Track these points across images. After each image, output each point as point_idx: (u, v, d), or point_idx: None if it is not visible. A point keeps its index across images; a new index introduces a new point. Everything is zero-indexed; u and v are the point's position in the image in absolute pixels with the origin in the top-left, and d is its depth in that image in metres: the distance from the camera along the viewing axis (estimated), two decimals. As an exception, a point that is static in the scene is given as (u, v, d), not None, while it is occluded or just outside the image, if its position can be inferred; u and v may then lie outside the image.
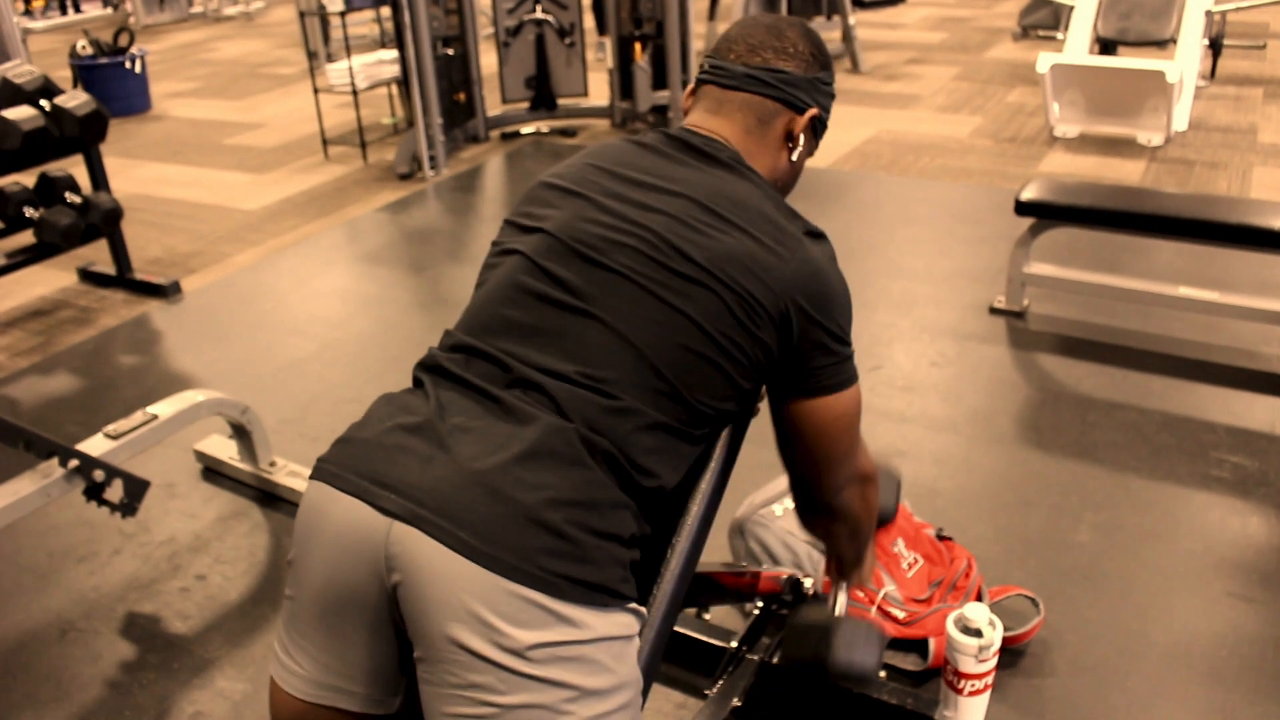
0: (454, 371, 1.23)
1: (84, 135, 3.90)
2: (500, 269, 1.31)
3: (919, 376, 3.24)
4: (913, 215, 4.56)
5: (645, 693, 1.24)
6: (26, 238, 3.97)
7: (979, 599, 2.21)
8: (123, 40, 7.30)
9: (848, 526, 1.53)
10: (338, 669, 1.20)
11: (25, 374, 3.67)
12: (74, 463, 2.37)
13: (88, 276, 4.43)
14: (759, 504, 2.29)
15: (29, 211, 3.94)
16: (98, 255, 4.42)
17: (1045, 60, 5.27)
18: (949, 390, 3.15)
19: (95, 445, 2.46)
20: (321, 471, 1.19)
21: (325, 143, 6.10)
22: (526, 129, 6.22)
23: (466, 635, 1.07)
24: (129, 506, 2.49)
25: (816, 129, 1.45)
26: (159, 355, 3.78)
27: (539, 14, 5.99)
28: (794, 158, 1.42)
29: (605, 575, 1.13)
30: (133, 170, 6.09)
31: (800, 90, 1.39)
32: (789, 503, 2.26)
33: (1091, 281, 3.49)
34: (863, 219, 4.54)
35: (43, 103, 3.85)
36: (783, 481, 2.20)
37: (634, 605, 1.19)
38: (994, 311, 3.61)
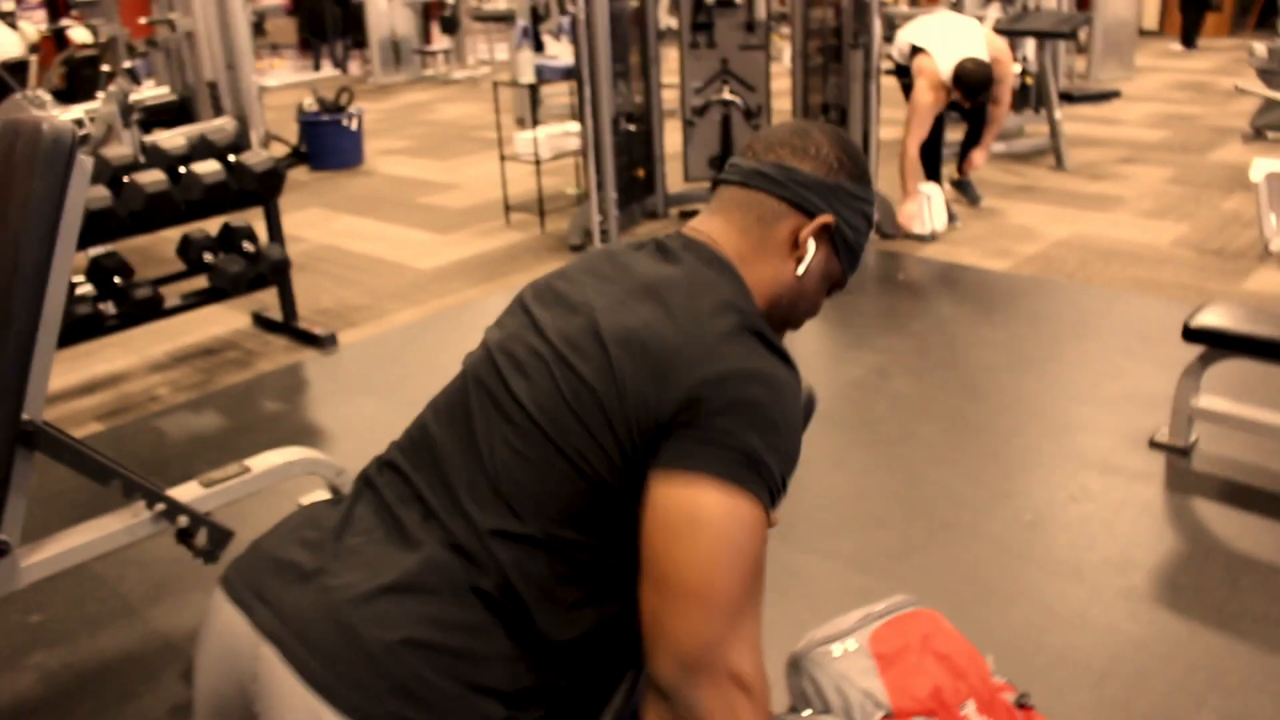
0: (376, 485, 1.17)
1: (261, 190, 4.11)
2: (450, 383, 1.25)
3: (1051, 511, 2.96)
4: (1088, 329, 4.24)
5: None
6: (204, 281, 4.21)
7: (1057, 780, 1.96)
8: (344, 99, 7.76)
9: None
10: None
11: (179, 409, 3.86)
12: (160, 506, 2.44)
13: (259, 321, 4.66)
14: (818, 640, 2.10)
15: (207, 257, 4.19)
16: (273, 301, 4.64)
17: (1260, 167, 4.83)
18: (1082, 530, 2.86)
19: (187, 491, 2.53)
20: (223, 577, 1.15)
21: (508, 209, 6.26)
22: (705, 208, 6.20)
23: None
24: (210, 554, 2.54)
25: (838, 245, 1.28)
26: (302, 404, 3.91)
27: (727, 95, 5.99)
28: (800, 270, 1.26)
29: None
30: (330, 222, 6.42)
31: (812, 192, 1.24)
32: (851, 644, 2.07)
33: (1272, 424, 3.12)
34: (1032, 330, 4.25)
35: (231, 158, 4.09)
36: (849, 619, 2.02)
37: None
38: (1154, 445, 3.28)
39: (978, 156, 5.63)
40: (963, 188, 5.96)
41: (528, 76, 5.99)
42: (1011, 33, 6.49)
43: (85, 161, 2.11)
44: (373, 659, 1.02)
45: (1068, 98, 7.06)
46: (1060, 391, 3.68)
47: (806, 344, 4.30)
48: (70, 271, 2.17)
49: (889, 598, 2.12)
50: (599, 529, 1.10)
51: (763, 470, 1.05)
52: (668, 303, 1.13)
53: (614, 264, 1.25)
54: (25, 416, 2.15)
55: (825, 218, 1.25)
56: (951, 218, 5.55)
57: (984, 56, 5.09)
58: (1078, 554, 2.76)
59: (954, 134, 6.04)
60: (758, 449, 1.05)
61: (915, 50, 5.30)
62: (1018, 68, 6.67)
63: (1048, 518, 2.92)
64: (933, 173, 5.62)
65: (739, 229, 1.25)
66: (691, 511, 1.01)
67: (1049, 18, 6.94)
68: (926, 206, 5.34)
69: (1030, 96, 6.96)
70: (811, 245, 1.25)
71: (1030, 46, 7.13)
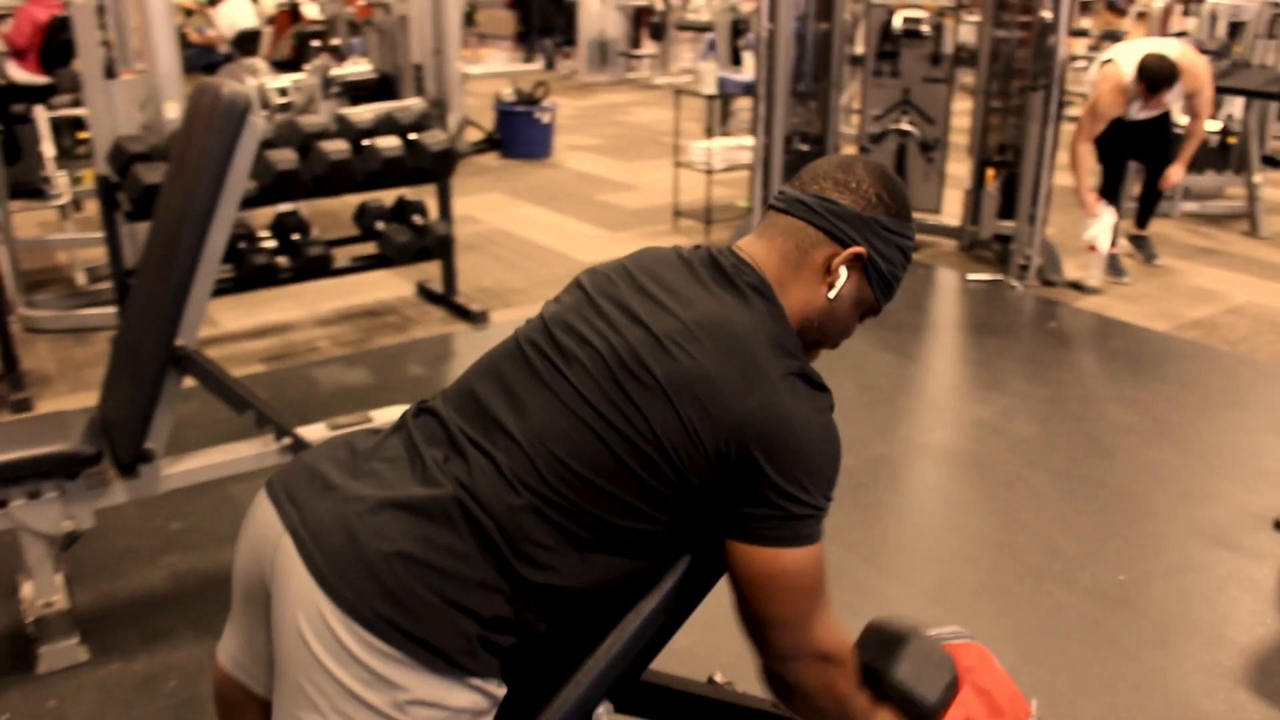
0: (409, 426, 1.32)
1: (435, 168, 4.39)
2: (500, 345, 1.39)
3: (1148, 573, 2.89)
4: (1238, 401, 4.08)
5: None
6: (374, 247, 4.52)
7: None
8: (539, 93, 8.10)
9: (806, 707, 1.38)
10: (248, 652, 1.36)
11: (335, 361, 4.18)
12: (287, 440, 2.69)
13: (421, 291, 4.96)
14: None
15: (379, 225, 4.50)
16: (438, 274, 4.93)
17: None
18: (1177, 598, 2.79)
19: (314, 431, 2.78)
20: (268, 480, 1.34)
21: (677, 214, 6.42)
22: (871, 234, 6.20)
23: (309, 634, 1.16)
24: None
25: (871, 275, 1.37)
26: (444, 371, 4.16)
27: (905, 125, 5.98)
28: (831, 295, 1.35)
29: (437, 637, 1.16)
30: (509, 207, 6.73)
31: (848, 224, 1.34)
32: None
33: None
34: (1177, 394, 4.11)
35: (412, 136, 4.38)
36: None
37: (478, 683, 1.20)
38: (1279, 527, 3.15)
39: (1174, 173, 5.34)
40: (1139, 243, 5.76)
41: (709, 88, 6.14)
42: (1219, 90, 6.23)
43: (256, 123, 2.37)
44: (369, 564, 1.17)
45: (1271, 161, 6.71)
46: (1190, 460, 3.57)
47: (941, 379, 4.29)
48: (232, 219, 2.43)
49: (943, 625, 2.16)
50: (608, 505, 1.24)
51: (818, 514, 1.26)
52: (723, 340, 1.26)
53: (676, 276, 1.35)
54: (179, 342, 2.42)
55: (857, 248, 1.34)
56: (1121, 272, 5.39)
57: (1172, 56, 4.95)
58: (1166, 620, 2.70)
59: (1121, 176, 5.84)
60: (813, 495, 1.24)
61: (1103, 65, 5.20)
62: (1217, 124, 6.41)
63: (1143, 579, 2.86)
64: None
65: (779, 253, 1.36)
66: (771, 574, 1.26)
67: (1259, 76, 6.62)
68: (1110, 226, 5.19)
69: (1231, 158, 6.65)
70: (843, 273, 1.34)
71: (1238, 105, 6.81)
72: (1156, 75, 4.90)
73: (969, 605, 2.73)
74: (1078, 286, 5.23)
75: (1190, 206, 6.76)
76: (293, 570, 1.19)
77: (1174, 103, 5.18)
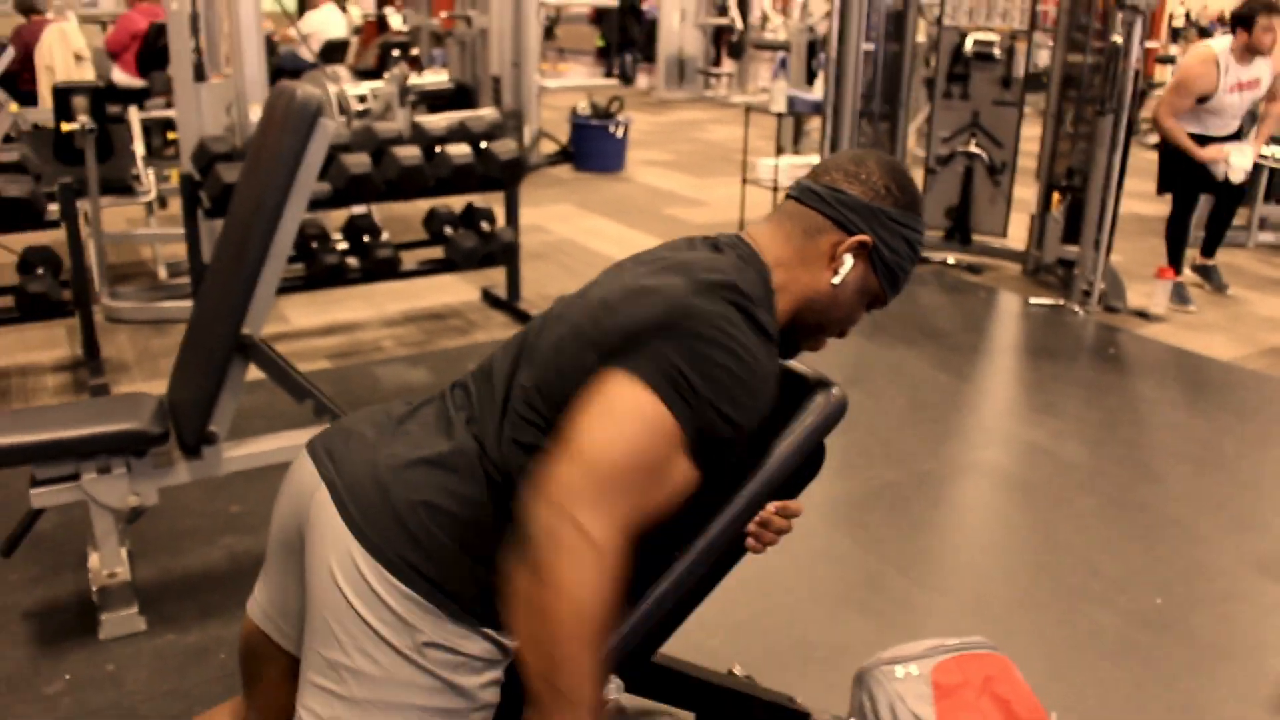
0: (444, 396, 1.42)
1: (504, 176, 4.51)
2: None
3: (1190, 599, 2.87)
4: (1302, 435, 4.02)
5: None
6: (441, 252, 4.66)
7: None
8: (614, 108, 8.23)
9: (518, 597, 1.11)
10: (279, 605, 1.45)
11: (397, 361, 4.31)
12: (344, 432, 2.80)
13: (486, 296, 5.09)
14: (885, 659, 2.20)
15: (448, 230, 4.64)
16: (503, 280, 5.05)
17: None
18: (1219, 625, 2.77)
19: (370, 425, 2.89)
20: (309, 440, 1.44)
21: (742, 228, 6.47)
22: (935, 257, 6.20)
23: (340, 576, 1.25)
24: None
25: (877, 265, 1.41)
26: (502, 374, 4.26)
27: (973, 147, 5.98)
28: (835, 280, 1.39)
29: (453, 583, 1.25)
30: (578, 219, 6.85)
31: (855, 213, 1.39)
32: (914, 668, 2.15)
33: None
34: (1235, 424, 4.06)
35: (483, 145, 4.51)
36: (919, 645, 2.11)
37: (491, 632, 1.27)
38: (1329, 562, 3.11)
39: (1248, 150, 5.28)
40: (1206, 273, 5.69)
41: (779, 106, 6.20)
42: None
43: (327, 124, 2.49)
44: (397, 513, 1.26)
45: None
46: (1243, 489, 3.52)
47: (995, 400, 4.28)
48: (301, 215, 2.55)
49: (967, 636, 2.19)
50: None
51: (680, 387, 1.18)
52: (680, 272, 1.30)
53: (674, 247, 1.43)
54: (245, 331, 2.55)
55: (862, 236, 1.39)
56: (1186, 300, 5.32)
57: None
58: (1205, 646, 2.68)
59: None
60: (686, 372, 1.18)
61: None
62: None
63: (1184, 604, 2.85)
64: (1176, 256, 5.41)
65: (785, 236, 1.41)
66: (605, 395, 1.17)
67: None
68: (1235, 150, 5.12)
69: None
70: (848, 260, 1.39)
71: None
72: (1251, 7, 4.94)
73: (1004, 620, 2.74)
74: (1142, 314, 5.18)
75: (1267, 238, 6.65)
76: (328, 518, 1.28)
77: (1265, 79, 5.15)
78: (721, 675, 1.96)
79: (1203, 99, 5.11)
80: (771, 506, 1.56)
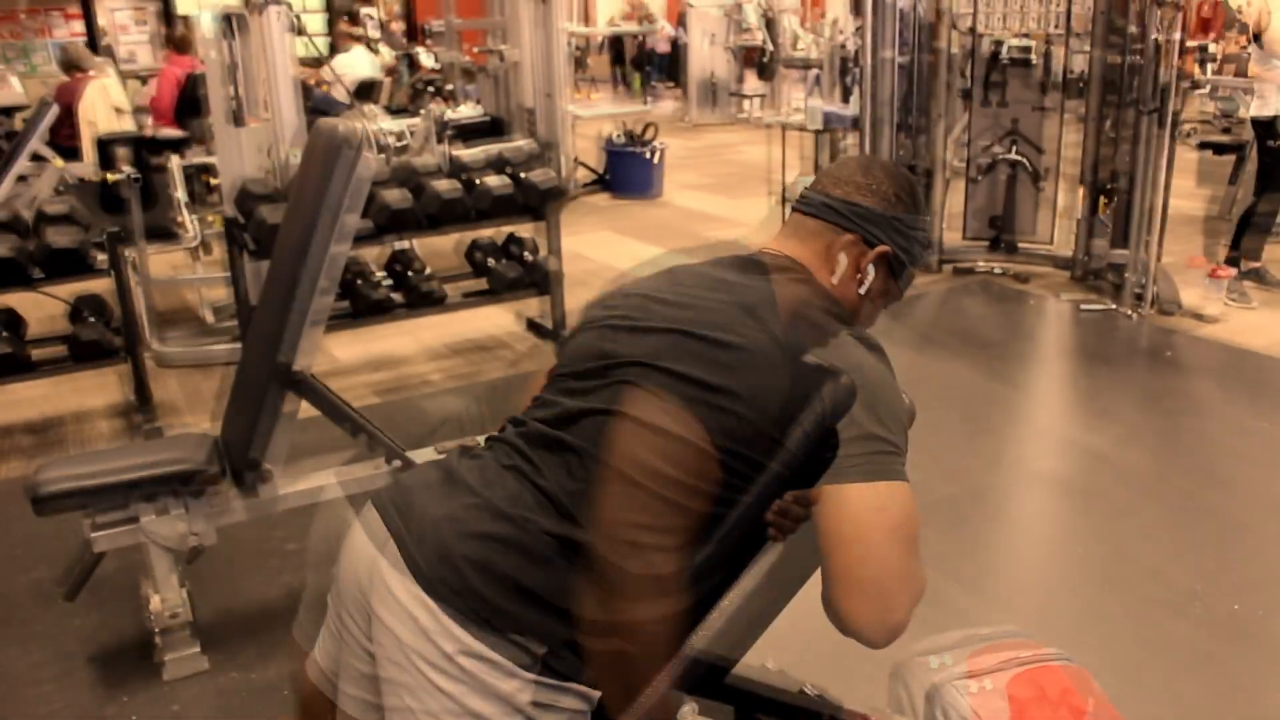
0: (505, 437, 1.39)
1: (542, 204, 4.51)
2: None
3: (1266, 607, 2.78)
4: (1369, 431, 3.91)
5: None
6: (484, 283, 4.66)
7: None
8: (648, 134, 8.24)
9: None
10: (335, 662, 1.43)
11: (445, 394, 4.32)
12: (398, 462, 2.80)
13: (531, 326, 5.08)
14: (920, 650, 2.16)
15: (490, 261, 4.64)
16: (547, 310, 5.04)
17: None
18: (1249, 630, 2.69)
19: (422, 454, 2.88)
20: (375, 492, 1.43)
21: (777, 247, 6.43)
22: (981, 266, 6.12)
23: (404, 631, 1.24)
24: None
25: (895, 269, 1.46)
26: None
27: (1014, 154, 5.91)
28: (861, 290, 1.45)
29: (526, 631, 1.22)
30: (617, 245, 6.86)
31: (873, 225, 1.43)
32: (948, 659, 2.11)
33: None
34: (1301, 422, 3.96)
35: (521, 175, 4.52)
36: (953, 635, 2.08)
37: (578, 687, 1.24)
38: None
39: None
40: (1258, 273, 5.57)
41: (815, 123, 6.18)
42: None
43: (368, 160, 2.50)
44: (457, 570, 1.24)
45: None
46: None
47: (1050, 409, 4.20)
48: (347, 248, 2.55)
49: (996, 625, 2.17)
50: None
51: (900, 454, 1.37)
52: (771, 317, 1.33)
53: (718, 273, 1.45)
54: (296, 366, 2.55)
55: (883, 248, 1.44)
56: (1244, 296, 5.23)
57: None
58: (1282, 654, 2.61)
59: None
60: (896, 441, 1.36)
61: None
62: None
63: (1263, 611, 2.76)
64: (1255, 250, 5.39)
65: (813, 253, 1.45)
66: (856, 518, 1.35)
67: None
68: None
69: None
70: (871, 270, 1.45)
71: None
72: None
73: (1072, 634, 2.66)
74: (1197, 316, 5.08)
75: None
76: (394, 571, 1.27)
77: None
78: (797, 695, 1.93)
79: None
80: (789, 496, 1.55)
